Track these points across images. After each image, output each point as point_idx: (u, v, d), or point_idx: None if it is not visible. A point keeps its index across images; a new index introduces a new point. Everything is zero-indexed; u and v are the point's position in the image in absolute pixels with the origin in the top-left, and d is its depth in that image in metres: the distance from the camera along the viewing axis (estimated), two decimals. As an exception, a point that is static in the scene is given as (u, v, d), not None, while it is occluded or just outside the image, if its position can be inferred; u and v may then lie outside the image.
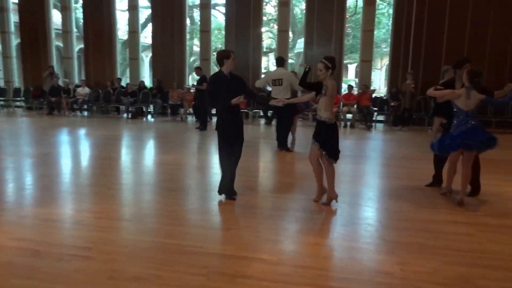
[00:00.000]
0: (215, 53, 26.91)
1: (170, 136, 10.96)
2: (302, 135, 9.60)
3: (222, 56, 5.09)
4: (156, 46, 16.09)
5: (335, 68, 5.06)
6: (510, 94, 5.18)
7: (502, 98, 5.29)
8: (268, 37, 27.10)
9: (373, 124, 13.04)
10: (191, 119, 14.19)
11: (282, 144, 8.61)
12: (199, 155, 8.66)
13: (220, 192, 5.35)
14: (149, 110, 15.32)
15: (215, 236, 4.20)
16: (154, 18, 16.15)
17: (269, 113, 13.24)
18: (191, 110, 13.96)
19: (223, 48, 16.60)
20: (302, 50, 17.02)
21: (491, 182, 5.80)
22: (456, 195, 5.38)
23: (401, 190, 5.80)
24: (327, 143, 4.95)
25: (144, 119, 14.66)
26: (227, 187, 5.30)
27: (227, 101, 4.96)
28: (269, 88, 9.24)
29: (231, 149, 5.20)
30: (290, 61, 23.12)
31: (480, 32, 12.61)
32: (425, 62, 13.08)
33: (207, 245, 3.87)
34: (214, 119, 13.42)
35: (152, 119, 14.58)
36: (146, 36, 22.63)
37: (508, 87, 5.19)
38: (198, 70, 12.64)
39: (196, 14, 23.44)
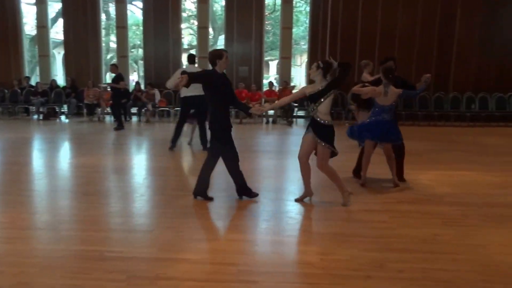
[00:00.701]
0: (133, 50, 25.91)
1: (86, 138, 10.43)
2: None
3: (215, 56, 5.00)
4: (68, 42, 15.33)
5: (328, 72, 5.04)
6: (425, 83, 5.62)
7: (419, 89, 5.76)
8: (188, 34, 26.83)
9: (294, 119, 13.42)
10: (109, 119, 13.68)
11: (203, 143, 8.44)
12: (118, 156, 8.32)
13: (196, 195, 5.22)
14: (62, 110, 14.51)
15: (136, 239, 4.07)
16: (65, 12, 15.38)
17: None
18: (109, 109, 13.48)
19: (142, 44, 16.21)
20: (223, 47, 17.08)
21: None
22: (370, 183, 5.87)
23: (322, 182, 6.02)
24: (329, 139, 4.96)
25: (58, 120, 13.88)
26: (244, 188, 5.20)
27: (224, 101, 4.98)
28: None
29: (234, 150, 5.14)
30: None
31: (390, 28, 13.57)
32: (341, 59, 13.69)
33: (127, 249, 3.76)
34: (134, 119, 13.32)
35: (67, 120, 13.85)
36: (57, 32, 21.42)
37: (424, 78, 5.59)
38: (113, 67, 12.09)
39: (112, 8, 22.60)
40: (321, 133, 4.88)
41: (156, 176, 6.70)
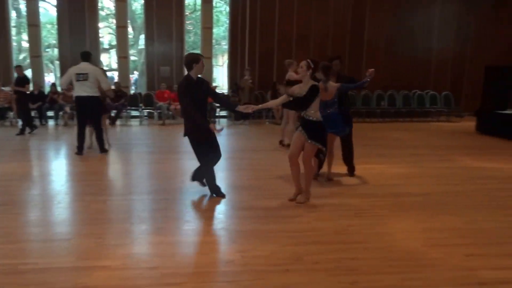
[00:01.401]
0: (48, 50, 24.47)
1: None
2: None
3: (192, 60, 4.87)
4: None
5: (316, 71, 5.10)
6: (367, 78, 5.73)
7: (360, 82, 5.89)
8: (108, 33, 25.84)
9: (217, 119, 13.47)
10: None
11: (100, 146, 8.15)
12: (33, 163, 7.86)
13: (193, 179, 5.44)
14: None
15: (53, 249, 3.88)
16: (-31, 9, 14.11)
17: (113, 113, 12.75)
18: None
19: (56, 44, 15.37)
20: (143, 47, 16.69)
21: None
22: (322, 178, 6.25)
23: (243, 181, 6.16)
24: (319, 136, 5.01)
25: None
26: (214, 187, 5.23)
27: (200, 107, 4.90)
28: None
29: (216, 149, 5.18)
30: (132, 58, 22.48)
31: (305, 30, 14.16)
32: (260, 58, 14.01)
33: (43, 260, 3.58)
34: (51, 122, 12.56)
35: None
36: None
37: (368, 72, 5.70)
38: (18, 69, 11.07)
39: (23, 5, 21.14)
40: (310, 131, 4.98)
41: (75, 182, 6.44)
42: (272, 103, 6.06)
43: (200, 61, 4.96)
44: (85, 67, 7.90)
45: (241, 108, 5.33)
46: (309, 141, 4.95)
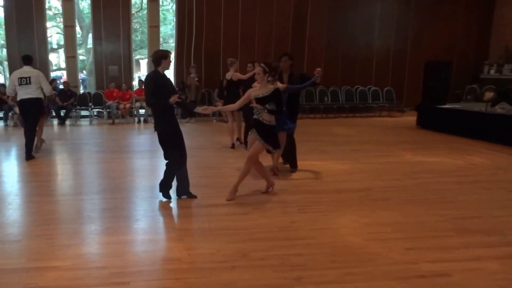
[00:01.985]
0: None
1: None
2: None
3: (160, 56, 4.81)
4: None
5: (276, 73, 5.16)
6: (313, 78, 5.85)
7: (307, 82, 5.99)
8: (56, 33, 24.83)
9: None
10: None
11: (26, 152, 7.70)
12: None
13: (180, 195, 5.22)
14: None
15: (4, 250, 3.85)
16: None
17: (62, 112, 12.43)
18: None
19: (4, 44, 14.67)
20: (91, 46, 16.23)
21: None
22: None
23: (190, 179, 6.07)
24: (271, 139, 5.11)
25: None
26: (187, 188, 5.15)
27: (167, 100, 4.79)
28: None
29: (182, 147, 5.03)
30: (81, 57, 21.75)
31: (250, 29, 14.19)
32: (206, 56, 13.99)
33: (-7, 262, 3.52)
34: (0, 123, 11.94)
35: None
36: None
37: (316, 72, 5.82)
38: None
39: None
40: (262, 132, 5.09)
41: (25, 183, 6.29)
42: (231, 107, 5.95)
43: (168, 57, 4.98)
44: (27, 70, 7.69)
45: (199, 109, 5.30)
46: (260, 140, 5.07)
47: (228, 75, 8.48)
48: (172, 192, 5.32)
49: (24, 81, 7.54)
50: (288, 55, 6.38)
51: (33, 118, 7.71)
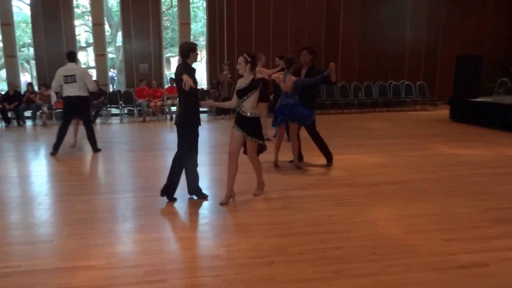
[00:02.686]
0: (23, 49, 23.78)
1: None
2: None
3: (189, 49, 4.75)
4: None
5: (255, 64, 5.03)
6: (325, 73, 5.81)
7: (318, 76, 5.92)
8: (84, 31, 25.33)
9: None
10: (0, 125, 12.47)
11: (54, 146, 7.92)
12: (12, 164, 7.52)
13: (191, 193, 5.11)
14: None
15: (36, 251, 3.78)
16: None
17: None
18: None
19: (32, 43, 14.98)
20: (121, 44, 16.42)
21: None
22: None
23: (224, 176, 6.03)
24: (256, 132, 4.91)
25: None
26: (197, 188, 5.07)
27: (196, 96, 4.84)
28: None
29: (196, 146, 5.01)
30: (110, 55, 22.08)
31: (282, 26, 14.17)
32: (238, 53, 13.93)
33: (25, 263, 3.50)
34: (29, 123, 12.26)
35: None
36: None
37: (330, 66, 5.75)
38: None
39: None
40: (246, 127, 4.84)
41: (55, 182, 6.26)
42: (229, 104, 5.51)
43: (195, 50, 4.90)
44: (71, 68, 7.89)
45: (201, 103, 5.28)
46: (250, 138, 4.85)
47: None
48: (207, 189, 5.27)
49: (70, 79, 7.76)
50: (308, 49, 6.35)
51: (82, 116, 8.00)
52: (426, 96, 14.53)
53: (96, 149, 8.10)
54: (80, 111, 7.96)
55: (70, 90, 7.78)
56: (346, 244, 3.77)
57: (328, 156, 6.59)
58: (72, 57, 8.09)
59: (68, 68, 7.88)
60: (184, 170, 5.03)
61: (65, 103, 8.08)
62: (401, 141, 8.72)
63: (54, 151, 7.78)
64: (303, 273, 3.28)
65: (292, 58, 6.17)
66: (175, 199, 5.04)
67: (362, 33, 14.76)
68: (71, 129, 8.28)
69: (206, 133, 10.55)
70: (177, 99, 13.17)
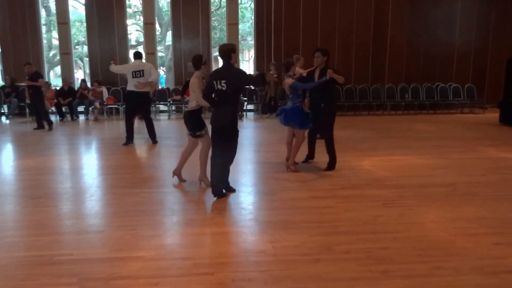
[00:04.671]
0: (77, 47, 24.66)
1: (30, 139, 9.65)
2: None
3: (230, 50, 4.84)
4: (5, 39, 14.18)
5: (198, 65, 5.29)
6: (323, 79, 5.76)
7: (314, 82, 5.94)
8: (135, 30, 26.06)
9: (244, 113, 13.46)
10: (54, 118, 13.04)
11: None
12: (65, 157, 7.85)
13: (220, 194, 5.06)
14: (2, 111, 13.48)
15: (87, 241, 3.87)
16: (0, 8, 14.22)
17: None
18: (53, 109, 12.86)
19: (86, 41, 15.54)
20: (171, 43, 16.74)
21: (346, 159, 6.41)
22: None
23: (270, 173, 6.12)
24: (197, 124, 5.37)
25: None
26: (225, 185, 5.13)
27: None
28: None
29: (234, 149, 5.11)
30: (160, 54, 22.60)
31: (330, 26, 14.10)
32: (285, 53, 13.94)
33: (78, 252, 3.59)
34: (82, 117, 12.73)
35: (8, 121, 12.91)
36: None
37: (329, 73, 5.68)
38: (28, 66, 10.66)
39: (53, 4, 21.42)
40: (188, 123, 5.40)
41: (106, 175, 6.42)
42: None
43: (236, 50, 4.98)
44: (139, 64, 8.44)
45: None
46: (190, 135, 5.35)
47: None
48: (252, 186, 5.26)
49: (138, 74, 8.28)
50: (321, 51, 6.13)
51: (143, 110, 8.69)
52: (474, 99, 14.05)
53: (155, 141, 8.66)
54: (140, 105, 8.55)
55: (132, 85, 8.27)
56: (393, 245, 3.68)
57: (332, 162, 6.26)
58: (138, 55, 8.64)
59: (136, 64, 8.45)
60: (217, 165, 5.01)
61: (128, 97, 8.64)
62: (449, 143, 8.44)
63: (127, 141, 8.45)
64: (349, 271, 3.21)
65: (289, 62, 6.13)
66: (225, 194, 5.08)
67: (410, 34, 14.45)
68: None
69: (251, 131, 10.63)
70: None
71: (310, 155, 6.70)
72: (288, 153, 6.43)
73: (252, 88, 13.88)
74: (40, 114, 10.77)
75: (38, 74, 10.61)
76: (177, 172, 5.71)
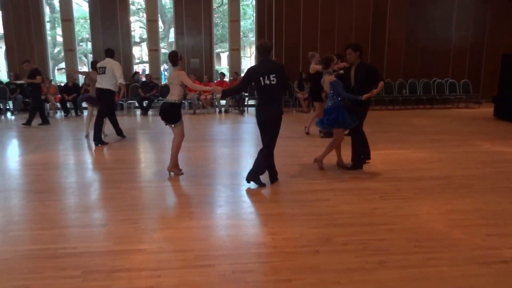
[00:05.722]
0: (82, 44, 24.55)
1: (34, 134, 9.58)
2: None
3: (270, 47, 4.94)
4: (9, 36, 14.15)
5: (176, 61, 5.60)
6: (358, 98, 5.43)
7: (349, 93, 5.56)
8: (139, 27, 26.00)
9: (246, 108, 13.44)
10: (59, 114, 13.04)
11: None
12: (69, 152, 7.77)
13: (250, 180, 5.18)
14: (7, 107, 13.42)
15: (91, 234, 3.86)
16: (4, 4, 14.06)
17: (145, 103, 12.93)
18: (58, 104, 12.84)
19: (89, 38, 15.50)
20: (173, 40, 16.72)
21: (344, 153, 6.29)
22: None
23: (284, 166, 6.05)
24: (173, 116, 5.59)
25: (3, 117, 12.73)
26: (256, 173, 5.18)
27: None
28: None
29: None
30: (163, 50, 22.54)
31: (329, 23, 14.07)
32: (286, 50, 13.92)
33: (81, 245, 3.59)
34: (86, 113, 12.70)
35: (13, 117, 12.78)
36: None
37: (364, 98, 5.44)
38: (27, 64, 10.60)
39: (56, 1, 21.32)
40: (164, 115, 5.56)
41: (110, 170, 6.40)
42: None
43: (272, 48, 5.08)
44: (105, 61, 8.17)
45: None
46: (169, 125, 5.55)
47: (310, 69, 8.37)
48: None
49: (101, 70, 8.09)
50: (352, 47, 5.77)
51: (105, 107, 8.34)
52: (470, 94, 14.08)
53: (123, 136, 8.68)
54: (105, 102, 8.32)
55: (100, 81, 8.11)
56: (390, 236, 3.69)
57: (356, 161, 5.98)
58: (109, 53, 8.28)
59: (103, 61, 8.21)
60: (262, 158, 5.13)
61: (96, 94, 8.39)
62: (445, 137, 8.44)
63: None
64: (347, 263, 3.22)
65: (329, 58, 5.72)
66: (264, 185, 5.17)
67: (408, 31, 14.45)
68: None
69: (253, 126, 10.50)
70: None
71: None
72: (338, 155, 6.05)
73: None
74: (33, 109, 10.66)
75: (36, 71, 10.48)
76: (170, 168, 5.74)
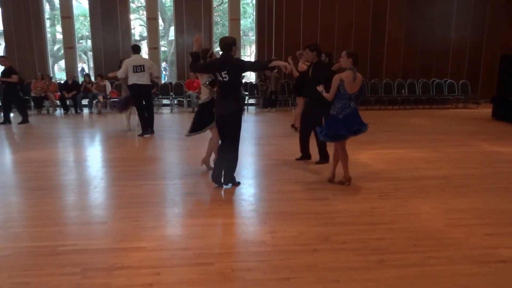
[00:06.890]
0: (82, 41, 24.48)
1: (34, 131, 9.61)
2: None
3: (231, 42, 4.86)
4: (9, 33, 14.09)
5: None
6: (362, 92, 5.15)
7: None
8: (139, 25, 25.93)
9: (246, 107, 13.43)
10: (59, 111, 13.01)
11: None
12: (69, 149, 7.78)
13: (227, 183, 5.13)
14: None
15: (91, 232, 3.85)
16: (3, 2, 13.98)
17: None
18: (58, 102, 12.82)
19: (89, 35, 15.46)
20: (173, 38, 16.69)
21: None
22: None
23: (270, 166, 6.11)
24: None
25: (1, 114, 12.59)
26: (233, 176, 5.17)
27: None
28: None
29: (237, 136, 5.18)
30: (163, 48, 22.49)
31: (329, 22, 14.06)
32: (286, 49, 13.92)
33: (81, 242, 3.57)
34: (86, 111, 12.68)
35: (12, 114, 12.25)
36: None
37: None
38: (3, 60, 10.50)
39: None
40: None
41: (109, 168, 6.40)
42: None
43: (236, 44, 4.99)
44: (139, 59, 8.55)
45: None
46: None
47: (299, 67, 8.28)
48: (253, 178, 5.24)
49: (139, 69, 8.39)
50: (309, 47, 6.23)
51: (146, 101, 8.74)
52: (468, 94, 14.07)
53: (152, 131, 8.85)
54: (142, 98, 8.68)
55: (137, 79, 8.37)
56: (389, 235, 3.69)
57: (322, 156, 6.23)
58: (137, 49, 8.74)
59: (136, 59, 8.51)
60: (225, 159, 4.99)
61: (132, 91, 8.63)
62: (443, 137, 8.44)
63: (143, 132, 8.70)
64: (346, 261, 3.22)
65: (356, 53, 5.00)
66: (238, 183, 5.17)
67: (408, 30, 14.44)
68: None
69: (253, 125, 10.58)
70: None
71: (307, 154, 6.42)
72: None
73: (254, 82, 13.86)
74: (20, 107, 10.68)
75: (11, 70, 10.35)
76: (204, 161, 5.85)
